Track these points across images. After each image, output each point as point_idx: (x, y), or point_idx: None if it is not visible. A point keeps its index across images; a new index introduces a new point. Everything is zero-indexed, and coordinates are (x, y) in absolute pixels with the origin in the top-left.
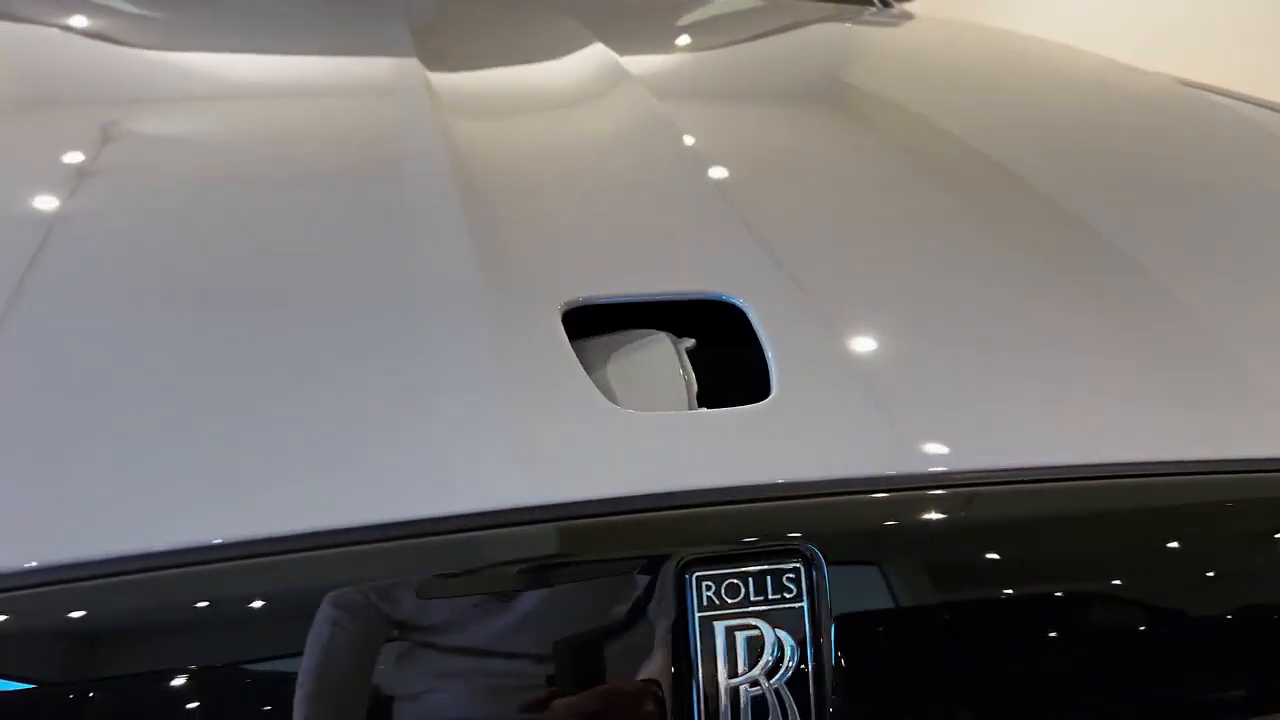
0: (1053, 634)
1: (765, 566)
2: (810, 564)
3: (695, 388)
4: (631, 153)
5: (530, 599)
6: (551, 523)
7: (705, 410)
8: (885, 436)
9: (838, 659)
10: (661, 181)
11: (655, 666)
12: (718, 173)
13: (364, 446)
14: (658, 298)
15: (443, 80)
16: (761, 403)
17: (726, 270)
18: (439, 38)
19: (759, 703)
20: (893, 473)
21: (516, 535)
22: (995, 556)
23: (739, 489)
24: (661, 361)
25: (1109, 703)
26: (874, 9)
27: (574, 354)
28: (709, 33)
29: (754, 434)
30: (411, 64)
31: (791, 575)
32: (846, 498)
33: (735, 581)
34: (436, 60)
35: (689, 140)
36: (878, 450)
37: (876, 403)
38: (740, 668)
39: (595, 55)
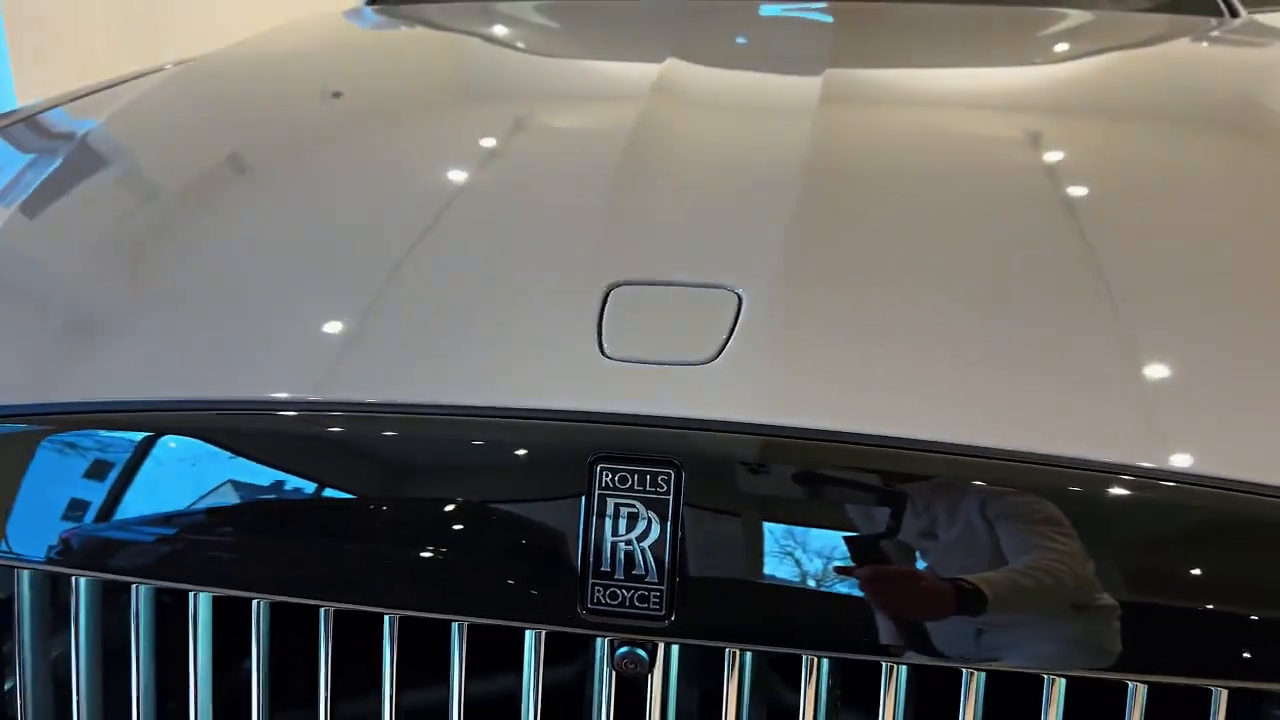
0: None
1: (647, 469)
2: (679, 472)
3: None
4: (985, 164)
5: (502, 476)
6: (524, 420)
7: (642, 364)
8: (760, 390)
9: (683, 534)
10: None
11: (569, 524)
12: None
13: None
14: None
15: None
16: (698, 365)
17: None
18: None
19: (629, 555)
20: (747, 419)
21: (504, 424)
22: (798, 495)
23: (647, 416)
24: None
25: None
26: (1219, 20)
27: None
28: (1068, 44)
29: (681, 381)
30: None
31: (664, 477)
32: (714, 433)
33: (626, 474)
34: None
35: (1051, 157)
36: (750, 401)
37: (784, 363)
38: (621, 531)
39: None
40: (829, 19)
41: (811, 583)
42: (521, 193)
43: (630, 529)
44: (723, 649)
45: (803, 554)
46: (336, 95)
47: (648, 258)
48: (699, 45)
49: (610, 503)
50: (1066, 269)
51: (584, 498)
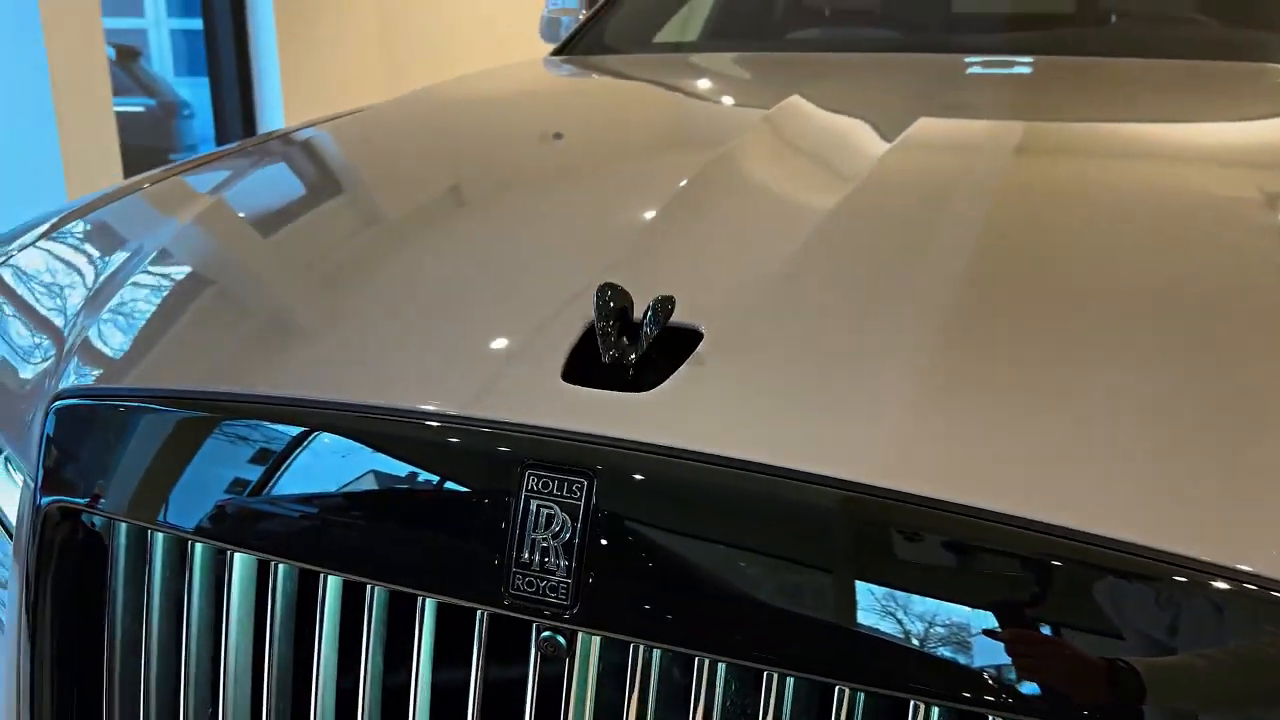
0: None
1: (566, 477)
2: (592, 481)
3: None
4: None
5: (463, 476)
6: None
7: (594, 391)
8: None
9: (594, 534)
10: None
11: (498, 521)
12: None
13: None
14: None
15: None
16: (640, 392)
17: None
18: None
19: (545, 550)
20: (653, 441)
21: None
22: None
23: (571, 431)
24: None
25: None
26: None
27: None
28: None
29: (616, 406)
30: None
31: (578, 485)
32: (622, 450)
33: (548, 480)
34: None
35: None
36: (651, 426)
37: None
38: (540, 529)
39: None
40: (1028, 71)
41: (707, 588)
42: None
43: (548, 527)
44: (629, 643)
45: (699, 560)
46: (558, 136)
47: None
48: (885, 95)
49: (534, 504)
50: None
51: (514, 500)
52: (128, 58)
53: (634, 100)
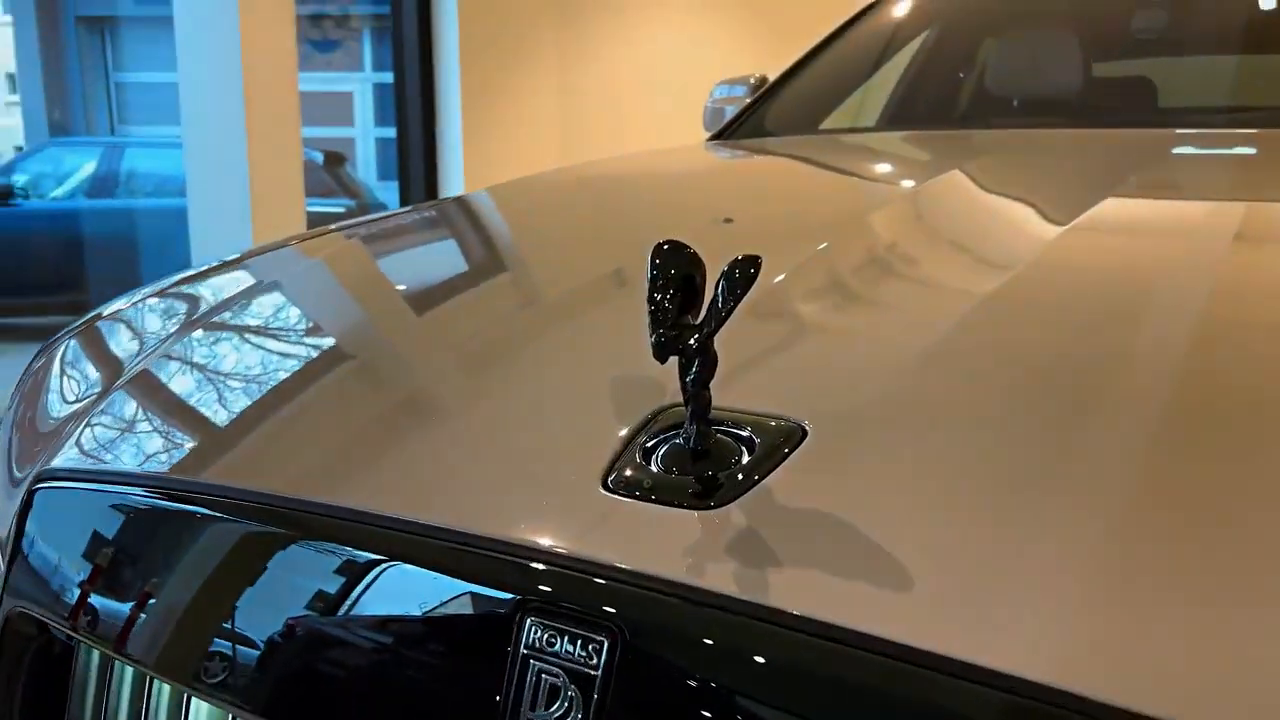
0: None
1: (579, 631)
2: (618, 640)
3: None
4: None
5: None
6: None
7: (646, 505)
8: (752, 564)
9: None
10: None
11: (488, 693)
12: None
13: None
14: None
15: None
16: (699, 511)
17: None
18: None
19: None
20: (726, 592)
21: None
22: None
23: (592, 561)
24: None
25: None
26: None
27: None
28: None
29: (666, 530)
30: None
31: (597, 645)
32: (668, 597)
33: (555, 633)
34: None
35: None
36: (731, 573)
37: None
38: (540, 706)
39: None
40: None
41: None
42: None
43: (551, 706)
44: None
45: None
46: (728, 221)
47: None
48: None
49: (534, 667)
50: None
51: (508, 660)
52: (334, 163)
53: (770, 175)
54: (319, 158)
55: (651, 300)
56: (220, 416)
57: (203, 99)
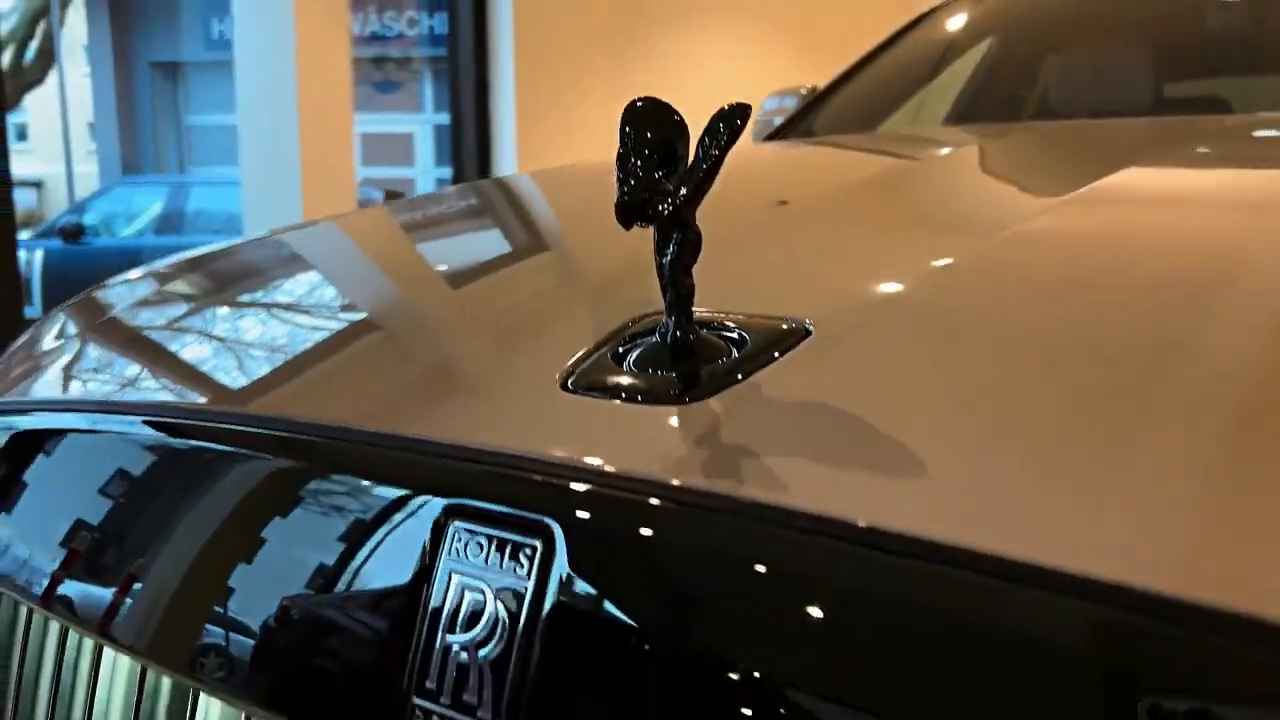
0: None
1: (507, 535)
2: (553, 544)
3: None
4: None
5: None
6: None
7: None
8: (694, 448)
9: (543, 645)
10: None
11: (408, 611)
12: None
13: None
14: None
15: None
16: (668, 407)
17: None
18: None
19: (462, 672)
20: (700, 487)
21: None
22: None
23: (528, 456)
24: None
25: None
26: None
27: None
28: None
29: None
30: None
31: (528, 550)
32: (620, 493)
33: (481, 539)
34: None
35: None
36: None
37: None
38: (460, 628)
39: None
40: None
41: None
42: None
43: (471, 627)
44: None
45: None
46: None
47: None
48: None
49: (454, 581)
50: None
51: (429, 572)
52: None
53: (824, 161)
54: (379, 196)
55: (622, 162)
56: (166, 340)
57: (260, 138)
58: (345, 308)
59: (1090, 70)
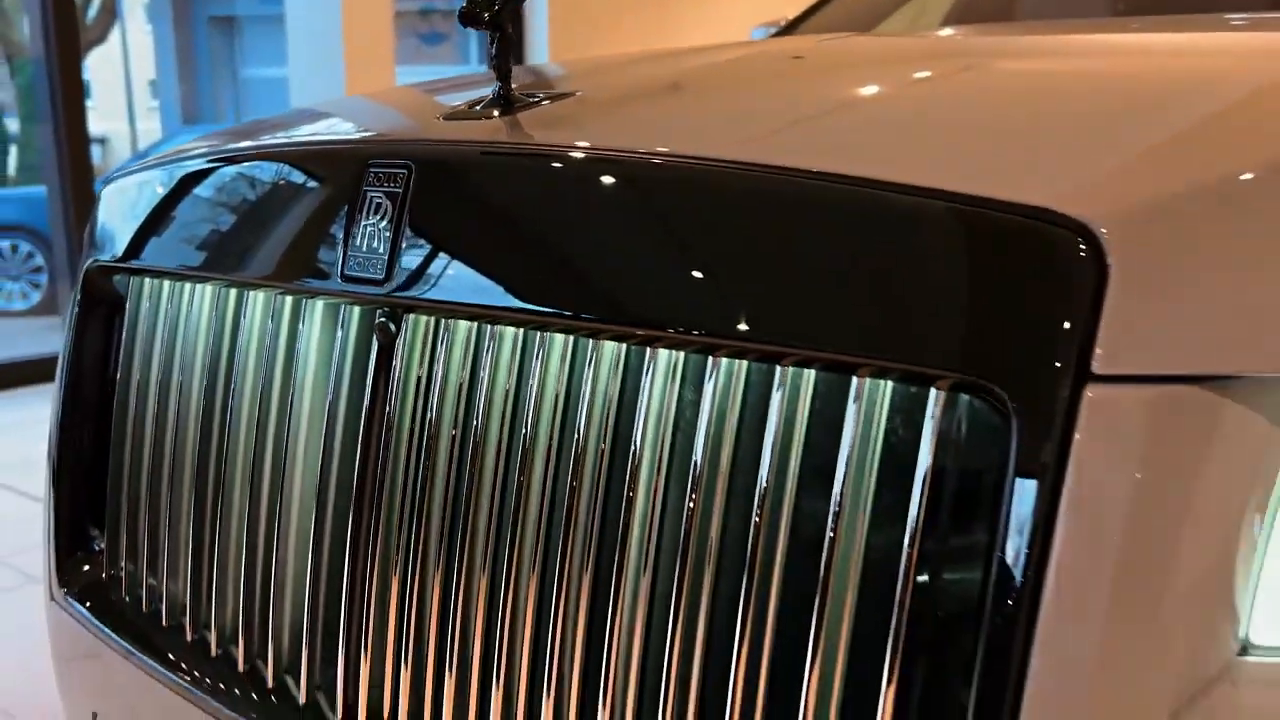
0: None
1: (390, 169)
2: (410, 172)
3: None
4: None
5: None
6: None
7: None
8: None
9: (409, 228)
10: None
11: (349, 215)
12: None
13: None
14: None
15: None
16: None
17: None
18: None
19: (371, 234)
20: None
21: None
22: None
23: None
24: None
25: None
26: None
27: None
28: None
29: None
30: None
31: (399, 175)
32: (439, 145)
33: (380, 174)
34: None
35: None
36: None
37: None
38: (370, 215)
39: None
40: None
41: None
42: None
43: (377, 214)
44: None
45: (490, 239)
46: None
47: None
48: None
49: (369, 195)
50: None
51: (358, 194)
52: None
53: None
54: None
55: None
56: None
57: (308, 90)
58: None
59: None
